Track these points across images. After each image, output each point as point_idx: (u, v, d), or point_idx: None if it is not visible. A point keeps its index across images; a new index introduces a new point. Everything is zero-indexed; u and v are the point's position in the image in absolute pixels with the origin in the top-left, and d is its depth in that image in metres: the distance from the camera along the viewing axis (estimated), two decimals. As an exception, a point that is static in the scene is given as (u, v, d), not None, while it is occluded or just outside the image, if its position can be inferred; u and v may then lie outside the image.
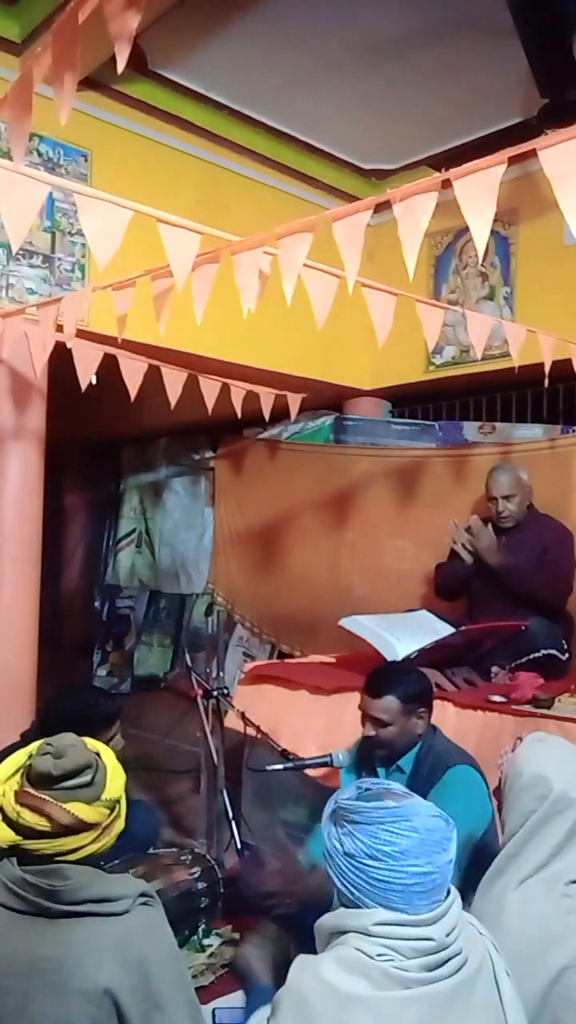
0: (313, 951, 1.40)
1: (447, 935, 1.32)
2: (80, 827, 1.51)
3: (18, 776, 1.57)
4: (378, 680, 2.46)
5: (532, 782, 1.71)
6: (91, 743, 1.66)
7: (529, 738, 1.87)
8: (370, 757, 2.53)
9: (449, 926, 1.33)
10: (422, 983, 1.27)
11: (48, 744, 1.58)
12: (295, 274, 1.93)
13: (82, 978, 1.42)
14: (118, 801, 1.59)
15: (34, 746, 1.62)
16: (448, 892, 1.38)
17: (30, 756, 1.60)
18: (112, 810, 1.57)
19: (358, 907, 1.35)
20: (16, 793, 1.53)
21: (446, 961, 1.30)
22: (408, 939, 1.30)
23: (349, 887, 1.37)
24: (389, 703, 2.39)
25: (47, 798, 1.50)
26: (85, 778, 1.54)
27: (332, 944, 1.35)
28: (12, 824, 1.52)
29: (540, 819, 1.67)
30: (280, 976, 1.35)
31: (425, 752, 2.41)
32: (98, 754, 1.63)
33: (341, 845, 1.39)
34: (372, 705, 2.42)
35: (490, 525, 3.70)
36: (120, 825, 1.60)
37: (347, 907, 1.38)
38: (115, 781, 1.59)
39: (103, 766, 1.60)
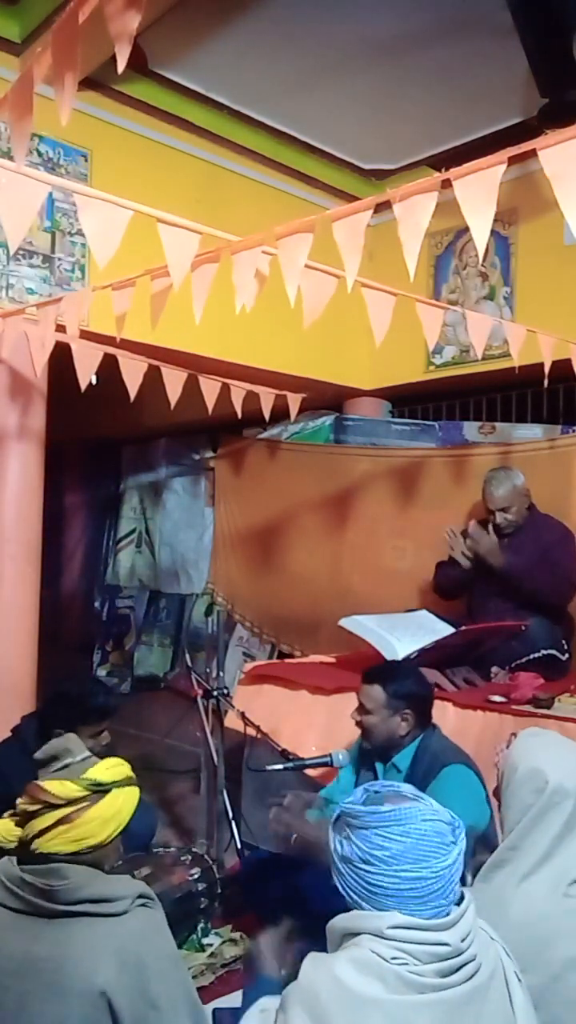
0: (323, 950, 1.40)
1: (462, 940, 1.31)
2: (52, 802, 1.56)
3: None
4: (376, 669, 2.55)
5: (528, 776, 1.71)
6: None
7: (523, 733, 1.88)
8: (368, 754, 2.54)
9: (464, 932, 1.32)
10: (436, 988, 1.26)
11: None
12: (297, 274, 1.92)
13: (78, 978, 1.42)
14: (99, 785, 1.60)
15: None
16: (462, 897, 1.37)
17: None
18: (90, 794, 1.59)
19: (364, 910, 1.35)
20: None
21: (460, 967, 1.30)
22: (423, 943, 1.29)
23: (348, 891, 1.37)
24: (374, 691, 2.46)
25: (35, 781, 1.61)
26: (64, 761, 1.65)
27: (345, 944, 1.35)
28: (20, 816, 1.59)
29: (538, 812, 1.67)
30: (287, 974, 1.34)
31: (422, 751, 2.43)
32: (90, 753, 1.70)
33: (341, 849, 1.39)
34: (361, 689, 2.51)
35: (490, 526, 3.70)
36: (97, 819, 1.58)
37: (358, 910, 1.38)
38: (105, 770, 1.64)
39: (93, 759, 1.67)
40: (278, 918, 1.99)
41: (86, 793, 1.58)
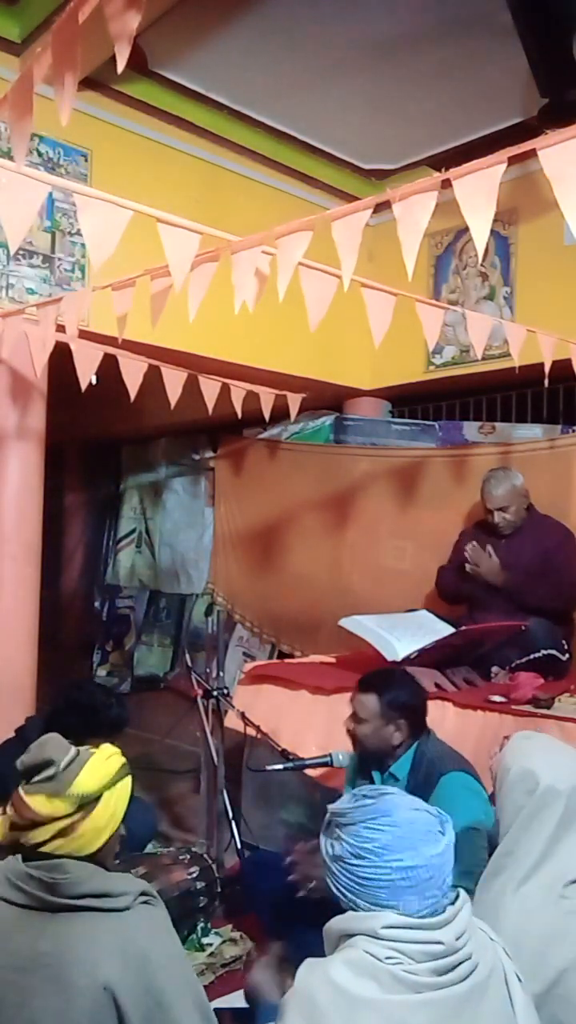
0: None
1: (456, 939, 1.31)
2: (40, 820, 1.52)
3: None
4: (370, 677, 2.52)
5: (520, 777, 1.72)
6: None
7: (516, 736, 1.89)
8: (365, 763, 2.53)
9: (459, 930, 1.32)
10: (432, 987, 1.26)
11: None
12: (289, 271, 1.93)
13: (81, 973, 1.41)
14: (88, 797, 1.55)
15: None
16: (457, 896, 1.37)
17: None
18: (80, 808, 1.54)
19: (359, 911, 1.35)
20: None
21: (456, 966, 1.30)
22: (417, 942, 1.29)
23: (342, 890, 1.37)
24: (368, 700, 2.43)
25: (19, 792, 1.55)
26: (46, 772, 1.55)
27: (341, 947, 1.35)
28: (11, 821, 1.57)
29: (530, 813, 1.68)
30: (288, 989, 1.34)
31: (419, 760, 2.40)
32: (78, 752, 1.62)
33: (332, 850, 1.40)
34: (355, 698, 2.47)
35: (488, 548, 3.68)
36: (92, 829, 1.55)
37: (353, 912, 1.38)
38: (91, 777, 1.57)
39: (79, 762, 1.59)
40: (271, 940, 1.97)
41: (75, 808, 1.53)
